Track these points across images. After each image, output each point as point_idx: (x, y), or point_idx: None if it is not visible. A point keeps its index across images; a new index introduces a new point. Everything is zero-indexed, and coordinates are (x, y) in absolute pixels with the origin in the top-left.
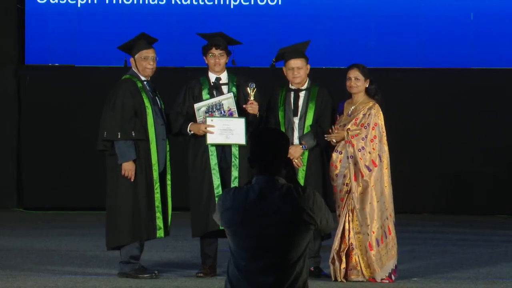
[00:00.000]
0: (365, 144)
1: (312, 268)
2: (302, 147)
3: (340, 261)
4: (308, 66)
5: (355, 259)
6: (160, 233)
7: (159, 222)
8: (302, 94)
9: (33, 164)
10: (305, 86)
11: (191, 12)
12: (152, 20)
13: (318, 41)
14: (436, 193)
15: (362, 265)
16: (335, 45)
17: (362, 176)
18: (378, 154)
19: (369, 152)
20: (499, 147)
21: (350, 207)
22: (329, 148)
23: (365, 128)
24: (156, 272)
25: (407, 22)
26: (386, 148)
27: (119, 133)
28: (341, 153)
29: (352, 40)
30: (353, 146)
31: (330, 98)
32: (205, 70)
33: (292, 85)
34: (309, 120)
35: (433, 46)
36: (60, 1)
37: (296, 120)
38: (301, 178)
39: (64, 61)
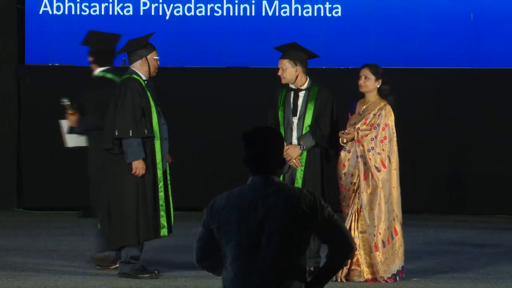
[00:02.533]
0: (375, 144)
1: (312, 268)
2: (300, 147)
3: None
4: (298, 68)
5: (357, 259)
6: (164, 231)
7: (163, 221)
8: (301, 94)
9: (33, 164)
10: (305, 86)
11: (191, 13)
12: (152, 20)
13: (318, 41)
14: (436, 193)
15: (364, 266)
16: (335, 45)
17: (372, 177)
18: (388, 155)
19: (379, 153)
20: (499, 147)
21: (357, 206)
22: (329, 148)
23: (375, 129)
24: (156, 272)
25: (407, 22)
26: (395, 149)
27: (130, 131)
28: (350, 152)
29: (352, 40)
30: (362, 146)
31: (330, 98)
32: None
33: (292, 85)
34: (308, 120)
35: (433, 46)
36: (60, 1)
37: (295, 120)
38: (299, 178)
39: (64, 61)
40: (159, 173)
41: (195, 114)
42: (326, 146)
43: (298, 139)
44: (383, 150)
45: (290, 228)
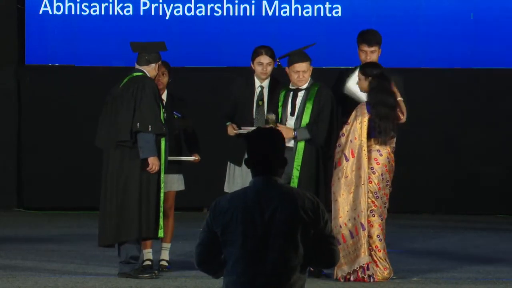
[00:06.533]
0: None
1: (312, 268)
2: (294, 133)
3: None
4: (311, 68)
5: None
6: (161, 233)
7: (161, 222)
8: (300, 94)
9: (33, 164)
10: (305, 86)
11: (191, 13)
12: (152, 20)
13: (318, 41)
14: (436, 193)
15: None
16: (335, 45)
17: (339, 165)
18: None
19: (351, 141)
20: (499, 147)
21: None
22: (326, 148)
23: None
24: (156, 272)
25: (407, 22)
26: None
27: (150, 126)
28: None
29: (352, 40)
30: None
31: (330, 98)
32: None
33: (292, 85)
34: (305, 120)
35: (433, 46)
36: (60, 1)
37: (291, 119)
38: (295, 177)
39: (64, 61)
40: (162, 174)
41: (194, 114)
42: (322, 145)
43: (295, 130)
44: (355, 138)
45: (294, 231)
